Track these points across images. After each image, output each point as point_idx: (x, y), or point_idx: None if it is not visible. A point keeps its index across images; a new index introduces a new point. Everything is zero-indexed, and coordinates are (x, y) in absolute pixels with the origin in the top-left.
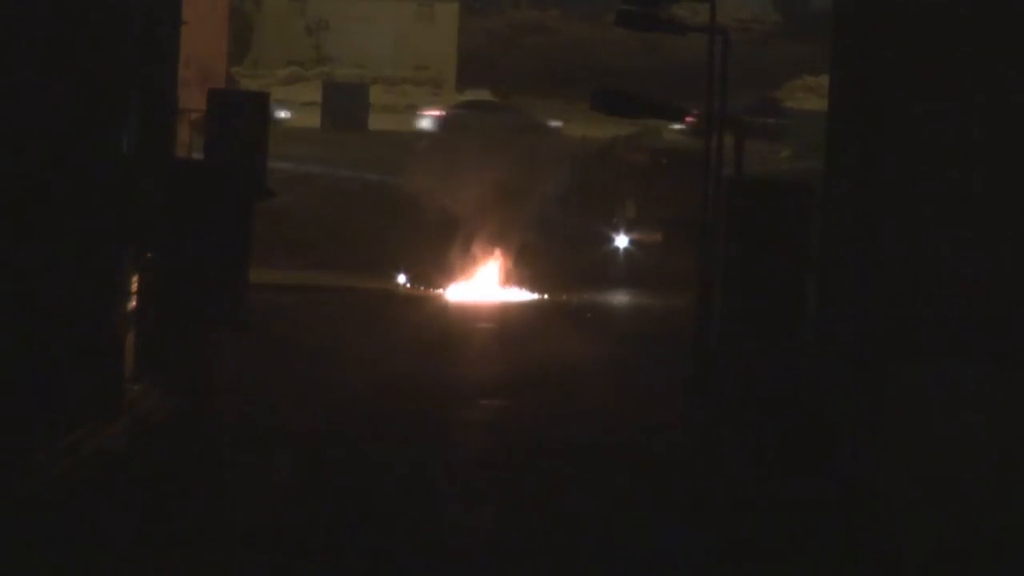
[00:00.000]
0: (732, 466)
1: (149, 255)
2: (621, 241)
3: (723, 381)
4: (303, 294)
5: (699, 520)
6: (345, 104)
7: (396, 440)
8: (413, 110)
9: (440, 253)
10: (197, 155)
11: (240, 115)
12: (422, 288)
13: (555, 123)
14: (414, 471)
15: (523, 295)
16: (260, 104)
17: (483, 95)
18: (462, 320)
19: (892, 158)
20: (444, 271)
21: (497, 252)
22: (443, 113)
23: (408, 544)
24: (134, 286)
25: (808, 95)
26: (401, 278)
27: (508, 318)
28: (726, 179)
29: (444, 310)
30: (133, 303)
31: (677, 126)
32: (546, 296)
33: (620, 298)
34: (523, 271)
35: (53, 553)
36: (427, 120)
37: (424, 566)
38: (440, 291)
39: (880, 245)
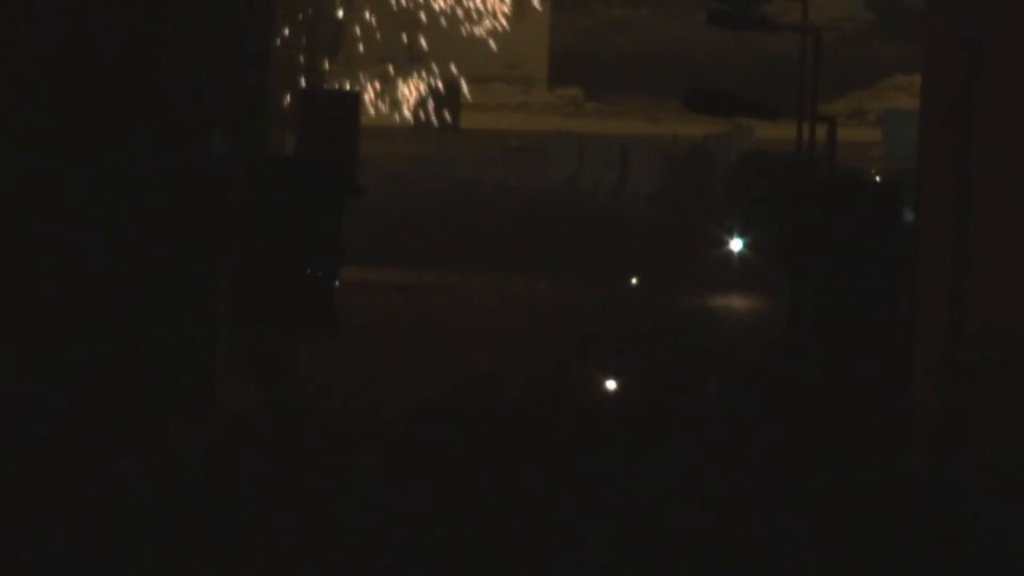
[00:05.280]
0: None
1: (240, 252)
2: (735, 245)
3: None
4: (403, 292)
5: None
6: (437, 102)
7: (488, 435)
8: (504, 108)
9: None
10: (288, 153)
11: (332, 113)
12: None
13: None
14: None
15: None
16: (352, 102)
17: (574, 93)
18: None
19: (985, 158)
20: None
21: None
22: None
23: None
24: (225, 283)
25: (899, 94)
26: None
27: None
28: (818, 178)
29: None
30: (224, 301)
31: None
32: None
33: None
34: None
35: (143, 549)
36: None
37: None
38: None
39: (974, 246)
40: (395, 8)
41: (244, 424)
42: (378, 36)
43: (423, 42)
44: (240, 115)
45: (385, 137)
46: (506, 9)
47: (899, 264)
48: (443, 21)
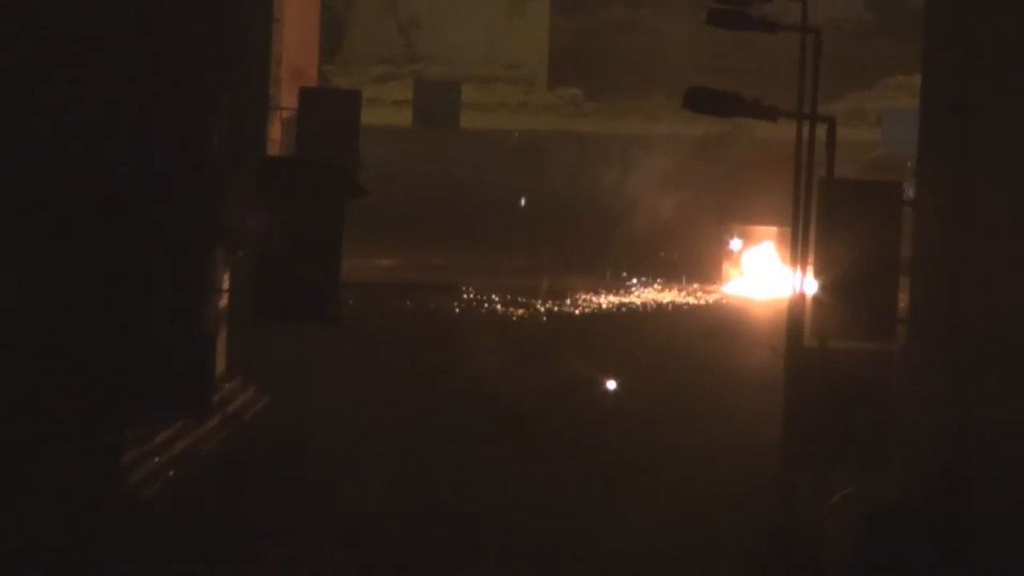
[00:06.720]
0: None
1: (240, 253)
2: (735, 244)
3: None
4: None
5: None
6: (436, 102)
7: (487, 432)
8: (504, 108)
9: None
10: (289, 153)
11: (332, 113)
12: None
13: None
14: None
15: None
16: (352, 102)
17: (574, 93)
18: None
19: (985, 158)
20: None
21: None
22: None
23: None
24: (226, 284)
25: (899, 94)
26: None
27: None
28: (819, 179)
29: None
30: (225, 301)
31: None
32: None
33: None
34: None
35: (145, 550)
36: None
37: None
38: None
39: (974, 246)
40: (395, 8)
41: (246, 423)
42: (378, 36)
43: (423, 42)
44: (240, 116)
45: (385, 137)
46: None
47: (899, 263)
48: (443, 21)
